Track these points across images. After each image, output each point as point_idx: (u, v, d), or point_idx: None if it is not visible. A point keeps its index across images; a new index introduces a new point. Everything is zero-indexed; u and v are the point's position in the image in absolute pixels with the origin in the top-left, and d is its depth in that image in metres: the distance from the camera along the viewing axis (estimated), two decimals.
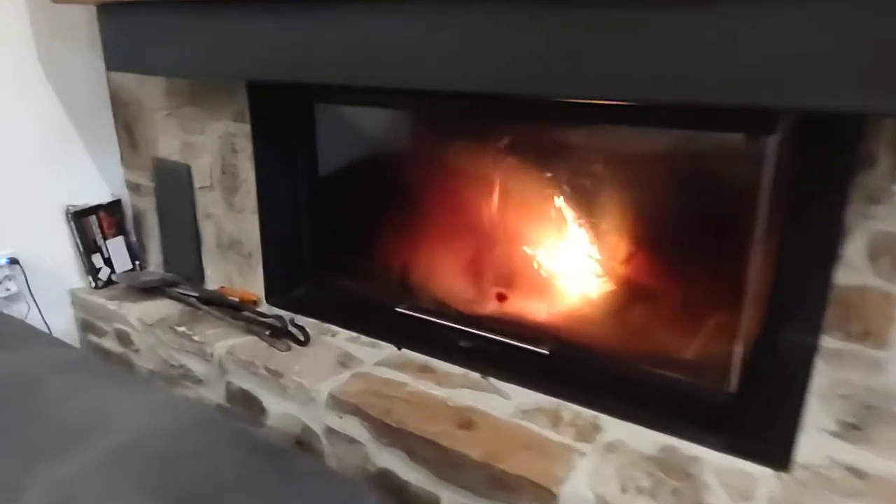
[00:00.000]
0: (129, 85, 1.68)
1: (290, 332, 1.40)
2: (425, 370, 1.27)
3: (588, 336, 1.22)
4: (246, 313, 1.50)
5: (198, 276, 1.70)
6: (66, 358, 1.11)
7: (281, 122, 1.51)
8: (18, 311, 1.60)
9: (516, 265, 1.29)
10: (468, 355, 1.29)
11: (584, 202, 1.22)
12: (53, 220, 1.64)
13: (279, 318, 1.44)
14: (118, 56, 1.42)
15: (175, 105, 1.60)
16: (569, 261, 1.25)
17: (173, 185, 1.67)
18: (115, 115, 1.74)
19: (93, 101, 1.68)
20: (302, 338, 1.38)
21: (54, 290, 1.67)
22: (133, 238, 1.80)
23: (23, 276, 1.58)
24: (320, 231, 1.59)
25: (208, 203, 1.62)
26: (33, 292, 1.61)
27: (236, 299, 1.57)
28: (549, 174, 1.25)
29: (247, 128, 1.47)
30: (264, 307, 1.57)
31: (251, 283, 1.60)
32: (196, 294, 1.62)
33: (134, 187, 1.79)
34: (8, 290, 1.56)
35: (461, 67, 0.92)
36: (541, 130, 1.24)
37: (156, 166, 1.69)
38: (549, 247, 1.27)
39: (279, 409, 1.31)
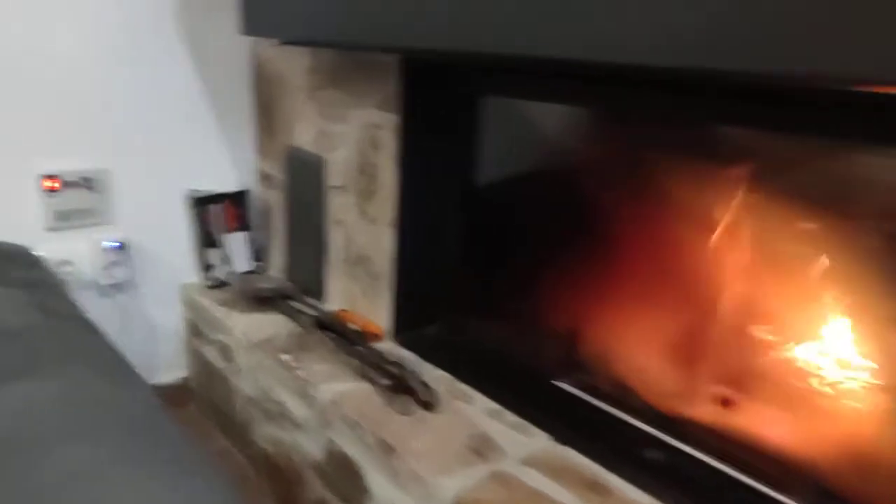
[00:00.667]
0: (275, 59, 1.44)
1: (413, 388, 1.06)
2: (594, 487, 0.88)
3: (877, 493, 0.76)
4: (364, 350, 1.19)
5: (318, 291, 1.43)
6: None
7: (436, 116, 1.18)
8: (124, 301, 1.42)
9: (756, 357, 0.86)
10: (660, 474, 0.88)
11: (882, 270, 0.76)
12: (171, 205, 1.45)
13: (402, 366, 1.11)
14: (255, 15, 1.17)
15: (316, 85, 1.34)
16: (851, 363, 0.80)
17: (305, 181, 1.41)
18: (254, 93, 1.52)
19: (233, 75, 1.47)
20: (428, 400, 1.05)
21: (165, 283, 1.48)
22: (256, 235, 1.57)
23: (132, 264, 1.39)
24: (468, 259, 1.25)
25: (340, 207, 1.34)
26: (143, 282, 1.42)
27: (357, 328, 1.27)
28: (820, 221, 0.80)
29: (394, 119, 1.16)
30: (387, 344, 1.25)
31: (376, 311, 1.29)
32: (312, 313, 1.34)
33: (264, 178, 1.56)
34: (114, 277, 1.37)
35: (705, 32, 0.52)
36: (813, 150, 0.80)
37: (289, 156, 1.45)
38: (814, 336, 0.83)
39: (386, 496, 0.98)
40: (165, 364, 1.52)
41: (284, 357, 1.19)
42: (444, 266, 1.26)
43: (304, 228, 1.46)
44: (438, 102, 1.17)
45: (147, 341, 1.46)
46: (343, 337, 1.25)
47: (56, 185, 1.26)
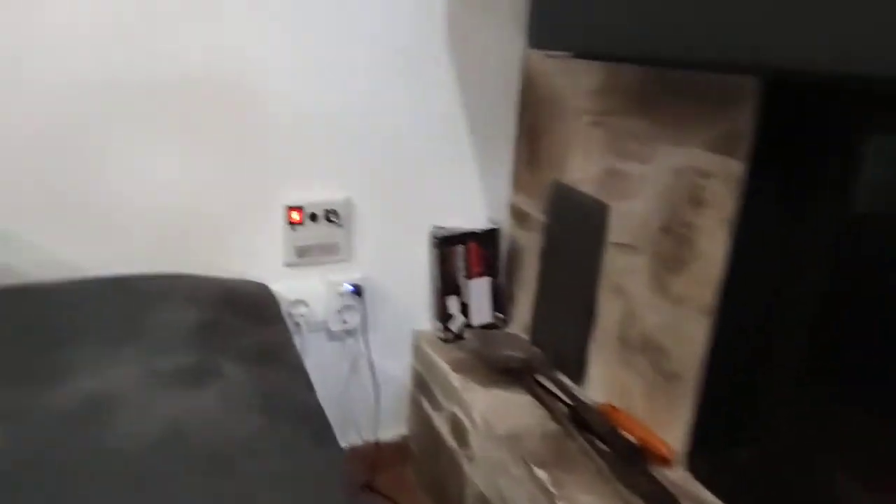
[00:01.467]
0: (551, 74, 1.16)
1: None
2: None
3: None
4: (646, 480, 0.86)
5: (575, 369, 1.12)
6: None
7: (800, 166, 0.80)
8: (353, 346, 1.25)
9: None
10: None
11: None
12: (413, 243, 1.24)
13: None
14: (546, 26, 0.90)
15: (606, 109, 1.02)
16: None
17: (574, 228, 1.11)
18: (520, 115, 1.25)
19: (495, 92, 1.22)
20: None
21: (396, 328, 1.28)
22: (502, 281, 1.31)
23: (366, 307, 1.20)
24: (819, 367, 0.84)
25: (623, 270, 1.01)
26: (374, 325, 1.24)
27: (633, 441, 0.93)
28: None
29: (735, 167, 0.80)
30: (678, 472, 0.90)
31: (665, 420, 0.95)
32: (568, 401, 1.04)
33: (519, 216, 1.29)
34: (345, 322, 1.20)
35: None
36: None
37: (555, 194, 1.16)
38: None
39: None
40: (387, 418, 1.33)
41: (539, 473, 0.90)
42: (780, 373, 0.87)
43: (563, 285, 1.16)
44: (807, 146, 0.79)
45: (371, 391, 1.28)
46: (613, 449, 0.93)
47: (299, 217, 1.11)
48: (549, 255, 1.19)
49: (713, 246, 0.84)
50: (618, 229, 1.02)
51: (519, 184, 1.28)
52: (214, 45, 1.01)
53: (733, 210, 0.81)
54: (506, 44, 1.19)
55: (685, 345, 0.90)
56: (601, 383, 1.08)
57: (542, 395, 1.08)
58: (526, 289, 1.29)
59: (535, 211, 1.23)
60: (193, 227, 1.06)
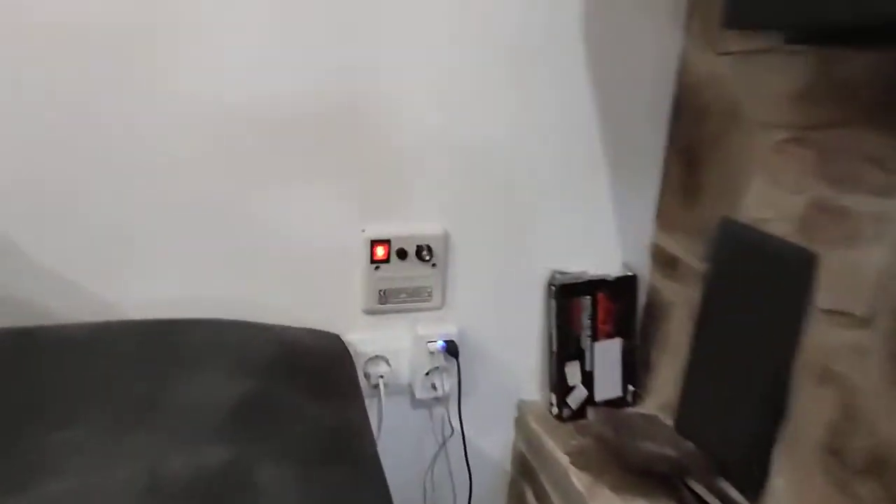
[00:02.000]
0: (720, 77, 0.87)
1: None
2: None
3: None
4: None
5: (749, 477, 0.80)
6: None
7: None
8: (441, 415, 0.99)
9: None
10: None
11: None
12: (522, 290, 0.97)
13: None
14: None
15: (817, 119, 0.72)
16: None
17: (755, 282, 0.81)
18: (672, 132, 0.96)
19: (640, 103, 0.94)
20: None
21: (496, 397, 1.01)
22: (637, 344, 1.02)
23: (459, 369, 0.94)
24: None
25: (839, 350, 0.70)
26: (468, 390, 0.97)
27: None
28: None
29: None
30: None
31: None
32: None
33: (665, 262, 0.99)
34: (434, 387, 0.94)
35: None
36: None
37: (725, 236, 0.86)
38: None
39: None
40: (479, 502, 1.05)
41: None
42: None
43: (734, 359, 0.85)
44: None
45: (463, 474, 1.01)
46: None
47: (385, 253, 0.87)
48: (711, 316, 0.89)
49: None
50: (832, 290, 0.70)
51: (666, 220, 0.99)
52: (328, 72, 0.81)
53: None
54: (658, 44, 0.92)
55: None
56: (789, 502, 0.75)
57: None
58: (670, 356, 0.99)
59: (690, 256, 0.93)
60: (256, 260, 0.85)
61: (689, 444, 0.88)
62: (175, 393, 0.59)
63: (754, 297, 0.81)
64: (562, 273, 0.96)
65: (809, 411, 0.73)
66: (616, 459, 0.87)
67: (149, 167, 0.78)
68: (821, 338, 0.72)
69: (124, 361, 0.62)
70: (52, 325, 0.67)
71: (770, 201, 0.79)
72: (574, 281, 0.96)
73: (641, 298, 1.02)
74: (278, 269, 0.86)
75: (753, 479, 0.80)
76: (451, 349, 0.91)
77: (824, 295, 0.71)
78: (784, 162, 0.77)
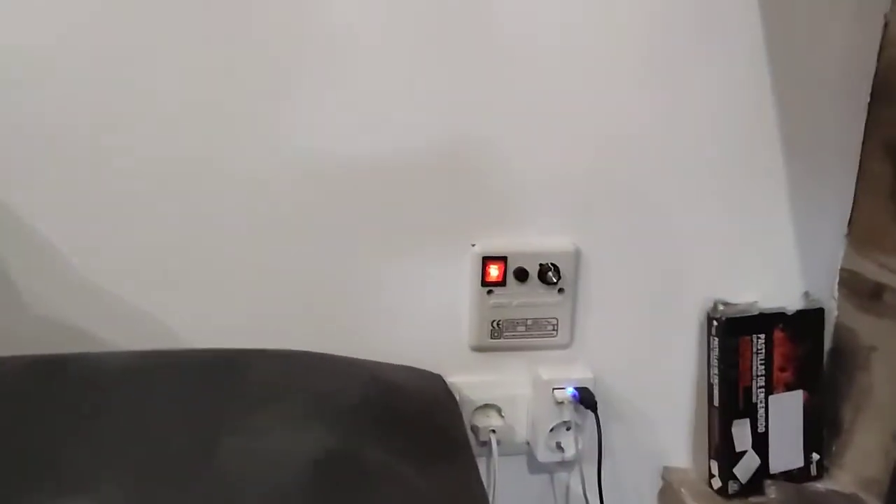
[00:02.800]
0: None
1: None
2: None
3: None
4: None
5: None
6: None
7: None
8: (566, 483, 0.79)
9: None
10: None
11: None
12: (675, 324, 0.76)
13: None
14: None
15: None
16: None
17: None
18: (871, 122, 0.74)
19: (827, 86, 0.73)
20: None
21: (635, 461, 0.80)
22: (823, 400, 0.78)
23: (592, 428, 0.74)
24: None
25: None
26: (603, 453, 0.76)
27: None
28: None
29: None
30: None
31: None
32: None
33: (863, 291, 0.76)
34: (561, 447, 0.74)
35: None
36: None
37: None
38: None
39: None
40: None
41: None
42: None
43: None
44: None
45: None
46: None
47: (500, 273, 0.69)
48: None
49: None
50: None
51: (865, 235, 0.75)
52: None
53: None
54: (854, 13, 0.71)
55: None
56: None
57: None
58: (872, 416, 0.74)
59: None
60: (342, 277, 0.69)
61: None
62: (230, 447, 0.44)
63: None
64: (726, 304, 0.75)
65: None
66: None
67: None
68: None
69: (167, 401, 0.48)
70: (90, 353, 0.54)
71: None
72: (743, 314, 0.74)
73: (827, 340, 0.79)
74: (364, 291, 0.70)
75: None
76: (586, 399, 0.71)
77: None
78: None
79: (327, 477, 0.42)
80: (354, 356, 0.64)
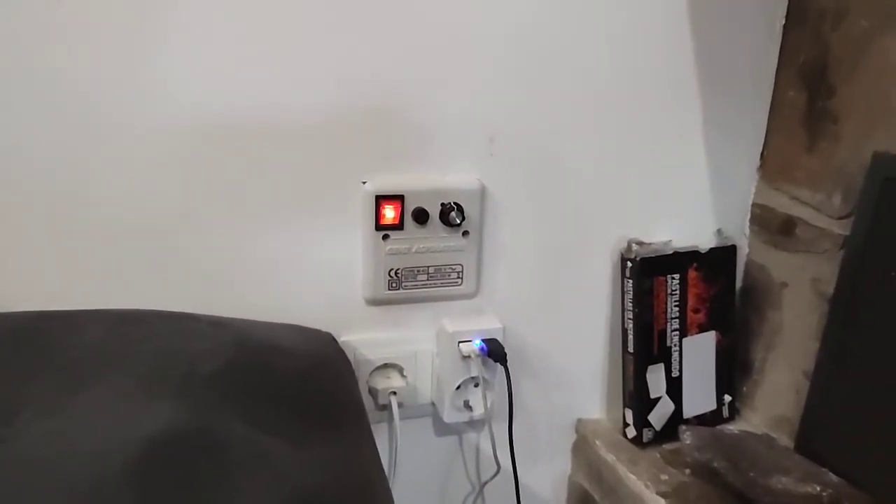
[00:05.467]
0: None
1: None
2: None
3: None
4: None
5: None
6: None
7: None
8: (474, 443, 0.73)
9: None
10: None
11: None
12: (587, 266, 0.71)
13: None
14: None
15: None
16: None
17: None
18: (785, 47, 0.70)
19: (739, 9, 0.68)
20: None
21: (548, 415, 0.75)
22: (735, 340, 0.76)
23: (505, 387, 0.67)
24: None
25: None
26: (500, 408, 0.70)
27: None
28: None
29: None
30: None
31: None
32: None
33: (775, 226, 0.73)
34: (469, 409, 0.68)
35: None
36: None
37: (878, 176, 0.60)
38: None
39: None
40: None
41: None
42: None
43: (890, 358, 0.59)
44: None
45: None
46: None
47: (396, 215, 0.61)
48: (858, 296, 0.63)
49: None
50: None
51: (778, 168, 0.72)
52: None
53: None
54: None
55: None
56: None
57: None
58: (783, 355, 0.73)
59: (817, 215, 0.68)
60: (219, 230, 0.58)
61: (834, 477, 0.62)
62: (38, 430, 0.33)
63: None
64: (640, 244, 0.70)
65: None
66: (737, 502, 0.60)
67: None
68: None
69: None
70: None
71: None
72: (657, 254, 0.69)
73: (739, 278, 0.76)
74: (251, 234, 0.59)
75: None
76: (495, 352, 0.64)
77: None
78: None
79: (164, 462, 0.33)
80: (231, 316, 0.54)
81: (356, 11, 0.56)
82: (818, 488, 0.59)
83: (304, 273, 0.61)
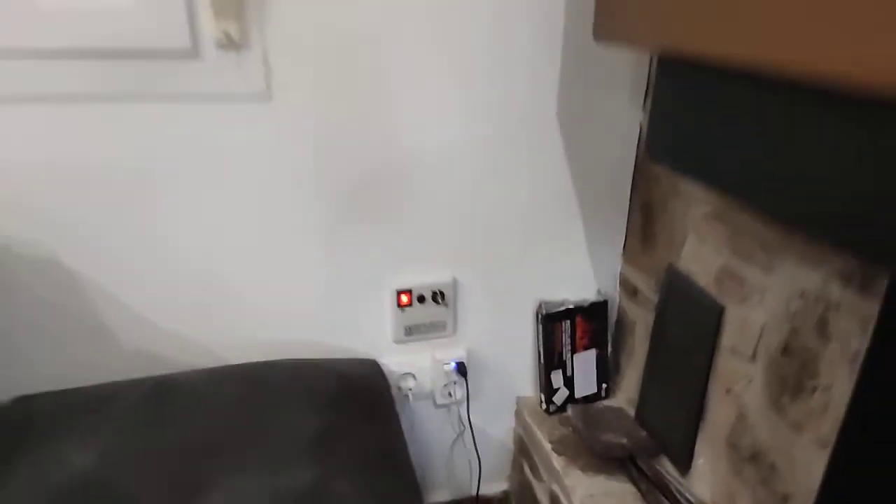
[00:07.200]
0: None
1: None
2: None
3: None
4: None
5: (680, 456, 1.09)
6: None
7: None
8: (457, 412, 1.29)
9: None
10: None
11: None
12: (517, 316, 1.25)
13: None
14: (666, 143, 0.86)
15: (728, 208, 0.97)
16: None
17: (687, 319, 1.07)
18: (634, 190, 1.21)
19: (610, 165, 1.18)
20: None
21: (500, 396, 1.31)
22: (608, 351, 1.29)
23: (470, 380, 1.23)
24: None
25: (736, 376, 0.97)
26: (477, 395, 1.27)
27: None
28: None
29: (869, 306, 0.74)
30: None
31: None
32: (676, 497, 1.02)
33: (630, 289, 1.26)
34: (450, 395, 1.24)
35: None
36: None
37: (669, 280, 1.12)
38: None
39: None
40: (490, 473, 1.37)
41: None
42: None
43: (673, 371, 1.12)
44: None
45: (474, 452, 1.32)
46: None
47: (408, 299, 1.15)
48: (659, 337, 1.16)
49: (838, 380, 0.79)
50: (733, 333, 0.97)
51: (631, 257, 1.25)
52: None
53: (864, 352, 0.75)
54: (622, 117, 1.15)
55: (798, 471, 0.85)
56: (707, 480, 1.04)
57: (645, 490, 1.06)
58: (634, 361, 1.26)
59: (647, 288, 1.20)
60: (318, 309, 1.13)
61: (642, 432, 1.17)
62: (272, 426, 0.89)
63: (686, 329, 1.07)
64: (547, 302, 1.23)
65: (718, 413, 1.01)
66: (586, 447, 1.16)
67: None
68: (725, 364, 0.99)
69: (236, 399, 0.93)
70: (177, 373, 0.98)
71: (698, 258, 1.05)
72: (556, 309, 1.23)
73: (612, 316, 1.29)
74: (330, 314, 1.15)
75: (683, 456, 1.09)
76: (461, 368, 1.20)
77: (728, 336, 0.98)
78: (708, 230, 1.03)
79: (322, 444, 0.88)
80: (327, 357, 1.10)
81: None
82: (625, 440, 1.14)
83: (363, 329, 1.16)
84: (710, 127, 0.76)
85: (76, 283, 1.00)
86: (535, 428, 1.25)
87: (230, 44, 0.91)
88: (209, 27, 0.90)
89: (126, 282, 1.02)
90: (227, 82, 0.94)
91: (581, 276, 1.26)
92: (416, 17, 1.00)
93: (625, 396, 1.29)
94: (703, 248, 1.04)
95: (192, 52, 0.91)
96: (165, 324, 1.06)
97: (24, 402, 0.94)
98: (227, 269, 1.06)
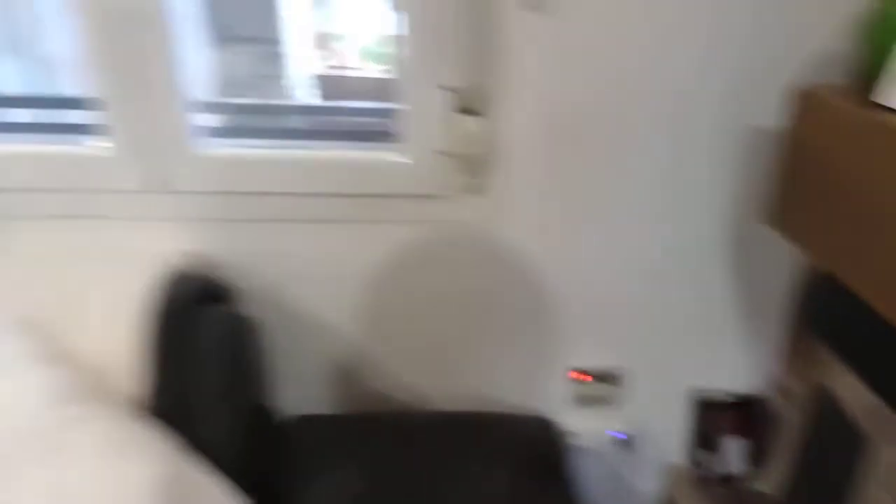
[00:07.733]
0: None
1: None
2: None
3: None
4: None
5: None
6: None
7: None
8: (615, 466, 1.53)
9: None
10: None
11: None
12: (677, 399, 1.45)
13: None
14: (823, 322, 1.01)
15: None
16: None
17: (836, 450, 1.21)
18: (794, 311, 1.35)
19: (772, 284, 1.34)
20: None
21: (656, 458, 1.52)
22: (757, 441, 1.46)
23: (630, 450, 1.47)
24: None
25: None
26: (635, 458, 1.51)
27: None
28: None
29: None
30: None
31: None
32: None
33: (785, 390, 1.40)
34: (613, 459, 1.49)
35: None
36: None
37: (818, 401, 1.26)
38: None
39: None
40: None
41: None
42: None
43: (819, 483, 1.27)
44: None
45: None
46: None
47: (584, 378, 1.40)
48: (811, 442, 1.30)
49: None
50: (881, 472, 1.10)
51: (789, 365, 1.39)
52: None
53: None
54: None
55: None
56: None
57: None
58: (784, 451, 1.41)
59: (802, 394, 1.34)
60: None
61: None
62: (461, 482, 1.20)
63: (837, 446, 1.21)
64: (702, 391, 1.42)
65: None
66: None
67: None
68: (872, 495, 1.12)
69: (440, 446, 1.25)
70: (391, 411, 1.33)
71: (853, 391, 1.18)
72: (712, 401, 1.41)
73: (765, 408, 1.45)
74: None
75: None
76: (626, 440, 1.44)
77: (875, 472, 1.11)
78: None
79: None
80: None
81: None
82: None
83: (549, 392, 1.44)
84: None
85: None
86: (688, 497, 1.45)
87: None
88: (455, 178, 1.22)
89: None
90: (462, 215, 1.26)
91: (737, 373, 1.42)
92: None
93: (770, 483, 1.45)
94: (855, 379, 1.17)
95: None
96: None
97: (307, 420, 1.33)
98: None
